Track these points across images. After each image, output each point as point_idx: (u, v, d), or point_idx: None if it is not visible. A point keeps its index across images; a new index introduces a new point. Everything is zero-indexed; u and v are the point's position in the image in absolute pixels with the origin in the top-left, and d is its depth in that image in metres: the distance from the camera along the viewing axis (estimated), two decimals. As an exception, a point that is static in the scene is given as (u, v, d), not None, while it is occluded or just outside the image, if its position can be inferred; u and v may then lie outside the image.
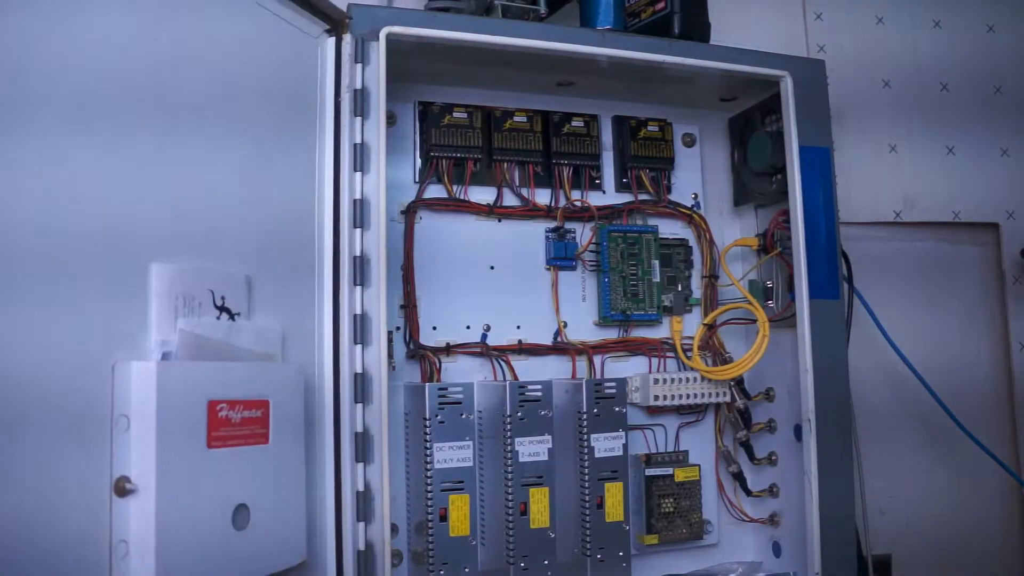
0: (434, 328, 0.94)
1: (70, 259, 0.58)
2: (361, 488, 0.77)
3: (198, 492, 0.62)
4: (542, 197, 1.00)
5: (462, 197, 0.96)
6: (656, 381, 0.98)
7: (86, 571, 0.57)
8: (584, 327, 1.01)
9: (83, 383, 0.58)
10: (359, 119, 0.80)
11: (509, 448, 0.88)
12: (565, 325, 0.99)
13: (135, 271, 0.62)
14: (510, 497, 0.87)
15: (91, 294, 0.59)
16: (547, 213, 0.99)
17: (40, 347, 0.56)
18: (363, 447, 0.77)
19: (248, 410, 0.66)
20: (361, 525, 0.76)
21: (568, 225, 1.00)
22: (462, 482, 0.86)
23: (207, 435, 0.63)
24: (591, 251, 1.01)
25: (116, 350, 0.60)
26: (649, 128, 1.04)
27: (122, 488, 0.58)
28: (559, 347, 0.98)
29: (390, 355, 0.81)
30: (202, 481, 0.62)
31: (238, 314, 0.70)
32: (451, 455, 0.85)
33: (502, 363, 0.95)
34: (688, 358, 1.01)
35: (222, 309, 0.68)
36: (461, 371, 0.94)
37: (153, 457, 0.59)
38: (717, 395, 1.01)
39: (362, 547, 0.76)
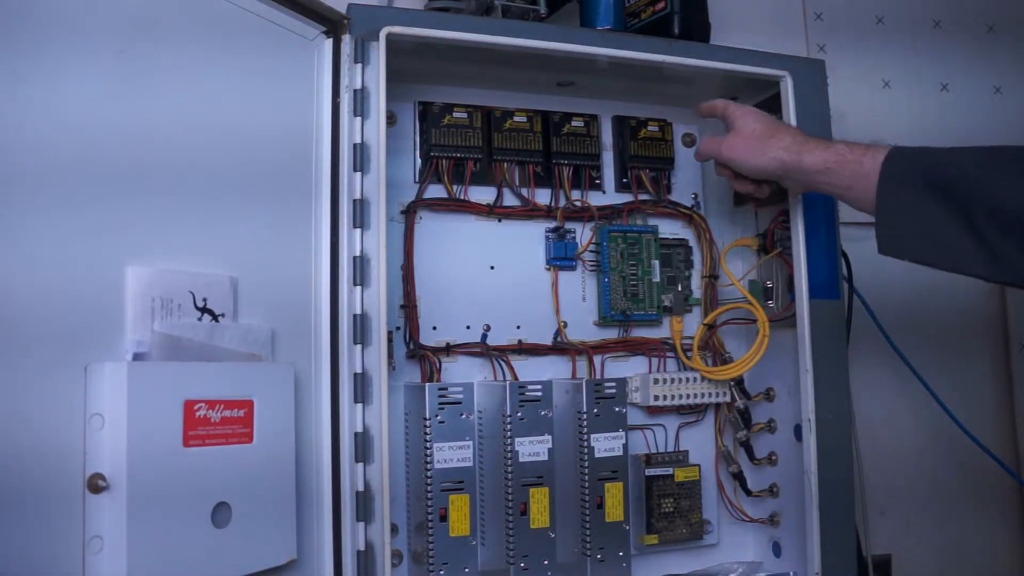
0: (434, 328, 0.94)
1: (48, 264, 0.59)
2: (361, 488, 0.77)
3: (174, 490, 0.63)
4: (542, 197, 1.00)
5: (462, 197, 0.96)
6: (656, 381, 0.98)
7: (61, 565, 0.58)
8: (584, 327, 1.01)
9: (56, 384, 0.59)
10: (359, 119, 0.80)
11: (509, 448, 0.88)
12: (565, 325, 0.99)
13: (112, 274, 0.64)
14: (510, 497, 0.87)
15: (68, 296, 0.60)
16: (547, 213, 0.99)
17: (17, 352, 0.57)
18: (363, 447, 0.77)
19: (229, 410, 0.68)
20: (361, 525, 0.76)
21: (568, 225, 1.00)
22: (462, 482, 0.86)
23: (183, 434, 0.64)
24: (591, 251, 1.01)
25: (90, 351, 0.61)
26: (649, 128, 1.04)
27: (95, 485, 0.59)
28: (559, 347, 0.98)
29: (390, 355, 0.81)
30: (178, 479, 0.63)
31: (222, 315, 0.70)
32: (451, 455, 0.85)
33: (502, 363, 0.95)
34: (688, 358, 1.01)
35: (204, 311, 0.69)
36: (461, 371, 0.94)
37: (125, 455, 0.60)
38: (717, 395, 1.01)
39: (362, 547, 0.76)
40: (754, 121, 0.88)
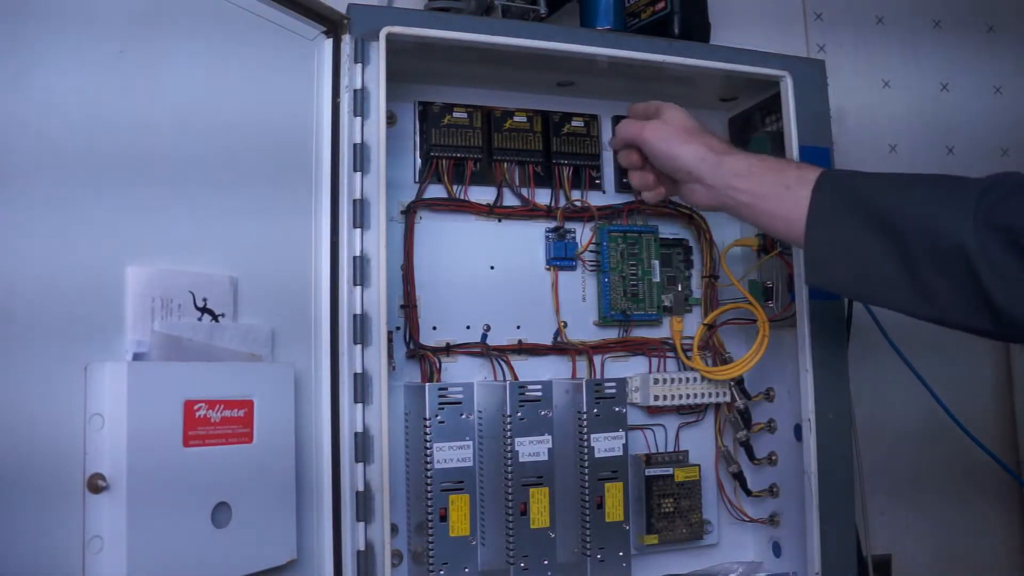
0: (434, 328, 0.94)
1: (48, 263, 0.59)
2: (361, 488, 0.77)
3: (174, 490, 0.63)
4: (542, 197, 1.00)
5: (462, 197, 0.96)
6: (656, 381, 0.98)
7: (61, 565, 0.58)
8: (584, 327, 1.01)
9: (56, 384, 0.59)
10: (359, 119, 0.80)
11: (509, 448, 0.88)
12: (565, 325, 0.99)
13: (112, 274, 0.63)
14: (510, 497, 0.87)
15: (68, 296, 0.60)
16: (547, 213, 0.99)
17: (16, 352, 0.57)
18: (363, 447, 0.77)
19: (229, 410, 0.68)
20: (361, 525, 0.76)
21: (568, 225, 1.00)
22: (462, 482, 0.86)
23: (183, 434, 0.64)
24: (591, 251, 1.01)
25: (90, 352, 0.61)
26: (649, 128, 1.04)
27: (95, 485, 0.59)
28: (559, 347, 0.98)
29: (390, 355, 0.81)
30: (178, 479, 0.63)
31: (222, 315, 0.70)
32: (451, 455, 0.85)
33: (502, 363, 0.95)
34: (688, 358, 1.01)
35: (204, 310, 0.69)
36: (461, 371, 0.94)
37: (125, 455, 0.60)
38: (717, 395, 1.01)
39: (362, 547, 0.76)
40: (684, 117, 0.84)
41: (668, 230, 1.05)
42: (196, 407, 0.65)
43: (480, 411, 0.89)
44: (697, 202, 0.84)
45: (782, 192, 0.75)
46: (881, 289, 0.71)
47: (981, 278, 0.63)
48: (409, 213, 0.93)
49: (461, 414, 0.86)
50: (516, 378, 0.95)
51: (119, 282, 0.64)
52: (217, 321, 0.70)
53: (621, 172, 1.03)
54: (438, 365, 0.91)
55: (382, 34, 0.80)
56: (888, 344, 1.11)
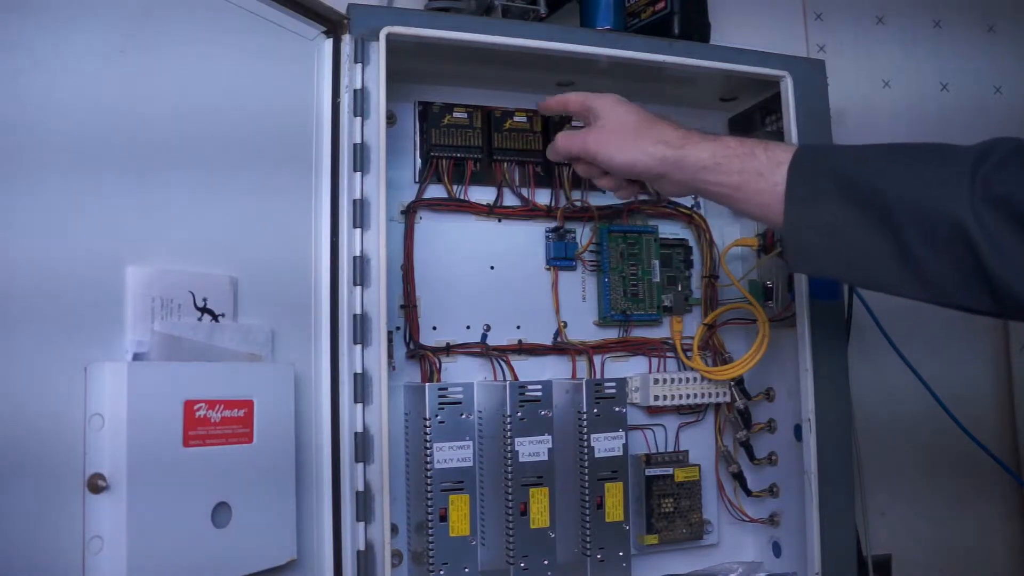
0: (434, 328, 0.94)
1: (48, 262, 0.59)
2: (361, 488, 0.77)
3: (174, 490, 0.63)
4: (542, 197, 1.00)
5: (462, 197, 0.96)
6: (656, 381, 0.98)
7: (61, 565, 0.58)
8: (584, 327, 1.01)
9: (56, 386, 0.59)
10: (359, 119, 0.80)
11: (509, 448, 0.88)
12: (565, 325, 0.99)
13: (112, 274, 0.64)
14: (510, 497, 0.87)
15: (67, 296, 0.60)
16: (547, 213, 0.99)
17: (15, 352, 0.57)
18: (363, 447, 0.77)
19: (229, 410, 0.68)
20: (361, 525, 0.76)
21: (568, 225, 1.00)
22: (462, 482, 0.86)
23: (183, 434, 0.64)
24: (591, 251, 1.01)
25: (90, 351, 0.61)
26: (649, 128, 1.04)
27: (95, 485, 0.59)
28: (559, 347, 0.98)
29: (390, 355, 0.81)
30: (178, 479, 0.63)
31: (222, 315, 0.70)
32: (451, 455, 0.85)
33: (502, 363, 0.95)
34: (688, 358, 1.01)
35: (204, 310, 0.69)
36: (461, 371, 0.94)
37: (125, 455, 0.60)
38: (717, 395, 1.01)
39: (362, 547, 0.76)
40: (625, 112, 0.78)
41: (668, 230, 1.05)
42: (196, 407, 0.65)
43: (480, 411, 0.89)
44: (669, 194, 0.81)
45: (755, 180, 0.71)
46: (871, 272, 0.66)
47: (981, 255, 0.59)
48: (409, 213, 0.93)
49: (461, 414, 0.86)
50: (516, 378, 0.95)
51: (119, 282, 0.64)
52: (217, 321, 0.70)
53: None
54: (438, 365, 0.91)
55: (382, 34, 0.80)
56: (888, 343, 1.11)
